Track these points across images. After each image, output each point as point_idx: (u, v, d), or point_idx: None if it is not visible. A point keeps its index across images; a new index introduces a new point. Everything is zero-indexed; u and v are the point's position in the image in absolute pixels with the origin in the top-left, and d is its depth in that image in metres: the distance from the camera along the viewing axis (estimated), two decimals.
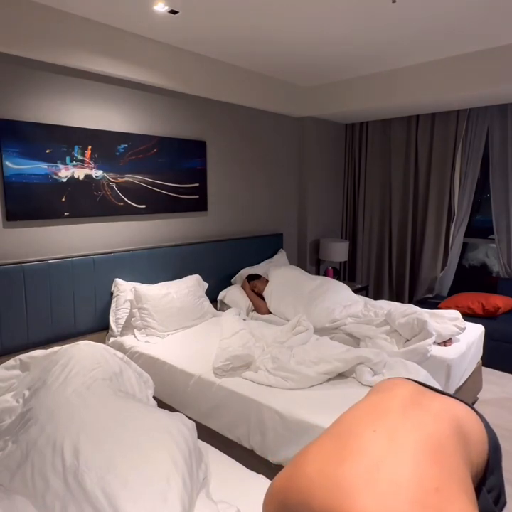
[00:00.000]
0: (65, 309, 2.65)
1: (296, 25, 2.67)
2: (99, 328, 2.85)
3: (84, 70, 2.65)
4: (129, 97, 2.95)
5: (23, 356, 2.06)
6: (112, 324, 2.81)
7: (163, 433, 1.43)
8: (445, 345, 2.63)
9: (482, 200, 4.38)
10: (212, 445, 1.69)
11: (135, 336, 2.81)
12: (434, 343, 2.58)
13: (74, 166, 2.67)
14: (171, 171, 3.24)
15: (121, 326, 2.81)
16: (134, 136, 2.98)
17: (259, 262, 3.94)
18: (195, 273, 3.33)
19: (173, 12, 2.44)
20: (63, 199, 2.64)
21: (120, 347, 2.70)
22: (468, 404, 0.71)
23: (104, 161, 2.82)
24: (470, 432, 0.66)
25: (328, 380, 2.11)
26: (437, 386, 2.17)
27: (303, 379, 2.05)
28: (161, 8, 2.38)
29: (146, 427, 1.46)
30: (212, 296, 3.47)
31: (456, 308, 3.55)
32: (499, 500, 0.74)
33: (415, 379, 0.75)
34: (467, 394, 2.76)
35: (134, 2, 2.33)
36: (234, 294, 3.46)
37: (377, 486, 0.51)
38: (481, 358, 3.02)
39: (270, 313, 3.39)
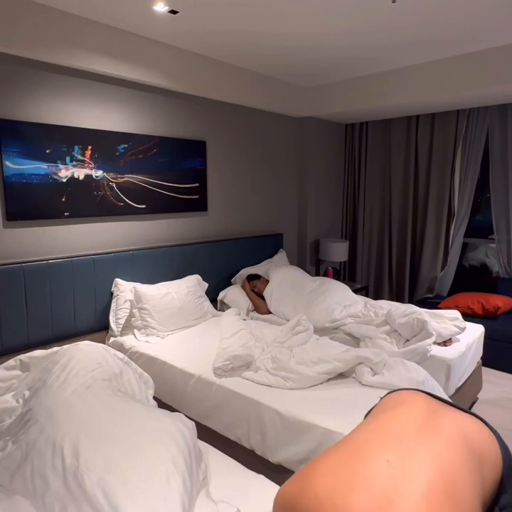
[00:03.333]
0: (65, 309, 2.65)
1: (296, 25, 2.67)
2: (99, 328, 2.85)
3: (85, 70, 2.65)
4: (129, 97, 2.95)
5: (23, 356, 2.06)
6: (112, 324, 2.81)
7: (163, 433, 1.43)
8: (445, 345, 2.63)
9: (482, 200, 4.38)
10: (212, 445, 1.69)
11: (135, 336, 2.81)
12: (434, 343, 2.58)
13: (74, 166, 2.67)
14: (171, 171, 3.24)
15: (121, 326, 2.81)
16: (134, 136, 2.98)
17: (259, 262, 3.93)
18: (195, 273, 3.33)
19: (173, 12, 2.44)
20: (63, 199, 2.64)
21: (120, 347, 2.70)
22: (480, 418, 0.69)
23: (104, 161, 2.82)
24: (483, 452, 0.64)
25: (328, 380, 2.11)
26: (438, 387, 2.17)
27: (303, 379, 2.05)
28: (161, 8, 2.38)
29: (146, 427, 1.46)
30: (212, 296, 3.47)
31: (456, 308, 3.55)
32: None
33: (425, 390, 0.74)
34: (467, 394, 2.76)
35: (134, 2, 2.33)
36: (234, 294, 3.46)
37: None
38: (481, 358, 3.02)
39: (270, 313, 3.39)
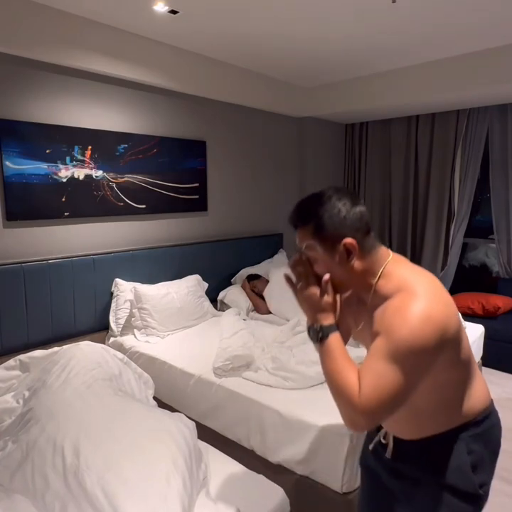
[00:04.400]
0: (65, 309, 2.65)
1: (296, 25, 2.67)
2: (99, 328, 2.85)
3: (85, 70, 2.65)
4: (129, 97, 2.95)
5: (23, 356, 2.06)
6: (112, 324, 2.81)
7: (164, 433, 1.43)
8: None
9: (482, 200, 4.38)
10: (212, 445, 1.69)
11: (135, 336, 2.81)
12: None
13: (74, 166, 2.67)
14: (171, 171, 3.24)
15: (121, 326, 2.81)
16: (134, 136, 2.98)
17: (259, 262, 3.93)
18: (195, 273, 3.33)
19: (173, 12, 2.44)
20: (63, 199, 2.64)
21: (120, 347, 2.70)
22: None
23: (104, 161, 2.82)
24: None
25: None
26: None
27: (303, 379, 2.05)
28: (161, 8, 2.38)
29: (147, 426, 1.46)
30: (212, 296, 3.47)
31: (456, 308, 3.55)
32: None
33: None
34: None
35: (133, 2, 2.33)
36: (234, 294, 3.46)
37: None
38: (481, 358, 3.02)
39: (270, 313, 3.39)
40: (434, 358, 0.87)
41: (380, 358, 0.85)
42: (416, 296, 0.87)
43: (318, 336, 0.95)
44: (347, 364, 0.91)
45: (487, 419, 1.05)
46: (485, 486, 1.01)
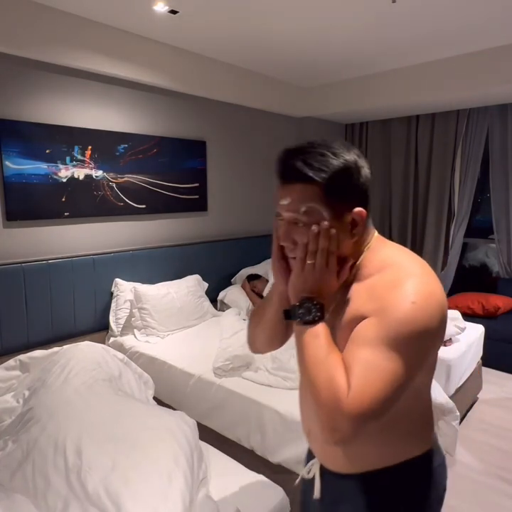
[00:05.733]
0: (65, 309, 2.65)
1: (296, 25, 2.66)
2: (99, 328, 2.85)
3: (84, 70, 2.64)
4: (129, 97, 2.95)
5: (23, 356, 2.06)
6: (112, 324, 2.81)
7: (165, 431, 1.43)
8: (445, 346, 2.63)
9: (482, 200, 4.38)
10: (212, 445, 1.69)
11: (135, 336, 2.81)
12: None
13: (74, 166, 2.67)
14: (171, 171, 3.24)
15: (121, 326, 2.81)
16: (134, 136, 2.98)
17: (259, 262, 3.93)
18: (195, 273, 3.33)
19: (173, 12, 2.44)
20: (63, 199, 2.64)
21: (120, 347, 2.70)
22: None
23: (104, 161, 2.82)
24: None
25: None
26: (438, 387, 2.17)
27: None
28: (161, 8, 2.38)
29: (148, 425, 1.47)
30: (212, 296, 3.47)
31: (456, 308, 3.55)
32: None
33: None
34: (467, 394, 2.76)
35: (133, 2, 2.33)
36: (234, 294, 3.46)
37: None
38: (481, 358, 3.02)
39: None
40: (434, 343, 0.73)
41: (372, 344, 0.68)
42: (411, 271, 0.73)
43: (314, 314, 0.74)
44: (335, 354, 0.71)
45: (437, 454, 0.86)
46: None
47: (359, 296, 0.76)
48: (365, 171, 0.79)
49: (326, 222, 0.74)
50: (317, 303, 0.74)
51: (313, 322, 0.74)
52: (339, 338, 0.76)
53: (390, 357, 0.66)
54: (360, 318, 0.73)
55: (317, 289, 0.75)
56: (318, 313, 0.74)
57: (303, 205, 0.75)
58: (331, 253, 0.75)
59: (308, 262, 0.75)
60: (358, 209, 0.77)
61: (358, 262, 0.80)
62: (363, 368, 0.67)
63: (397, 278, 0.72)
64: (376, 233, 0.86)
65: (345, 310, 0.77)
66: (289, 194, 0.77)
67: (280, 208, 0.79)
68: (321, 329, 0.73)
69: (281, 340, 0.97)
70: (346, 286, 0.79)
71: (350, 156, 0.77)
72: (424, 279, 0.72)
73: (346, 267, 0.78)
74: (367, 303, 0.73)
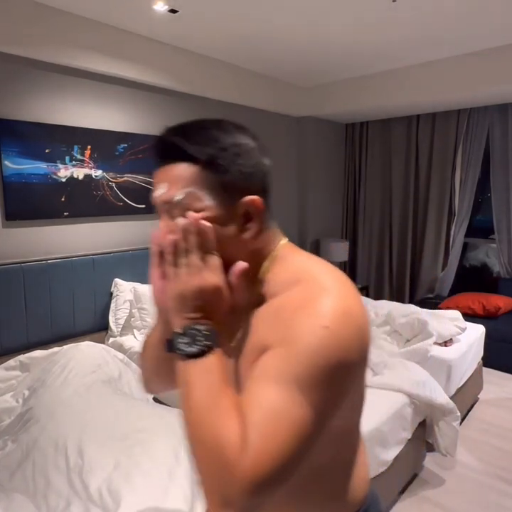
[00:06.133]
0: (64, 309, 2.65)
1: (296, 24, 2.66)
2: (98, 328, 2.84)
3: (84, 70, 2.64)
4: (128, 96, 2.95)
5: (22, 357, 2.06)
6: (112, 324, 2.80)
7: (164, 427, 1.43)
8: (446, 346, 2.63)
9: (483, 200, 4.38)
10: None
11: (135, 336, 2.80)
12: (435, 343, 2.57)
13: (73, 165, 2.67)
14: None
15: (121, 326, 2.81)
16: (134, 136, 2.98)
17: None
18: None
19: (173, 11, 2.44)
20: (63, 199, 2.64)
21: (120, 347, 2.69)
22: None
23: (103, 161, 2.82)
24: None
25: None
26: (438, 387, 2.16)
27: None
28: (160, 7, 2.38)
29: (148, 423, 1.47)
30: None
31: (457, 308, 3.54)
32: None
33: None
34: (468, 394, 2.76)
35: (133, 2, 2.32)
36: None
37: None
38: (482, 358, 3.01)
39: None
40: (355, 375, 0.58)
41: (275, 383, 0.52)
42: (324, 288, 0.58)
43: (202, 344, 0.55)
44: (228, 398, 0.53)
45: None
46: None
47: (263, 320, 0.60)
48: (265, 158, 0.65)
49: (192, 213, 0.59)
50: (206, 328, 0.56)
51: (201, 354, 0.55)
52: (244, 374, 0.60)
53: (297, 400, 0.51)
54: (263, 349, 0.57)
55: (202, 304, 0.57)
56: (207, 343, 0.55)
57: (180, 191, 0.62)
58: (207, 252, 0.59)
59: (181, 261, 0.58)
60: (250, 197, 0.61)
61: (259, 275, 0.65)
62: (263, 415, 0.51)
63: (308, 296, 0.57)
64: (284, 240, 0.72)
65: (247, 339, 0.62)
66: (166, 179, 0.64)
67: (155, 198, 0.65)
68: (211, 362, 0.55)
69: None
70: (252, 308, 0.63)
71: (246, 136, 0.63)
72: (341, 294, 0.58)
73: (239, 275, 0.60)
74: (272, 329, 0.57)
